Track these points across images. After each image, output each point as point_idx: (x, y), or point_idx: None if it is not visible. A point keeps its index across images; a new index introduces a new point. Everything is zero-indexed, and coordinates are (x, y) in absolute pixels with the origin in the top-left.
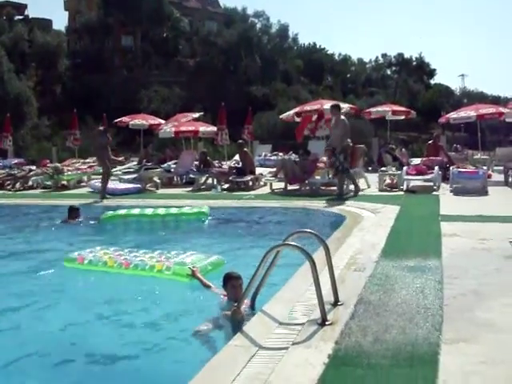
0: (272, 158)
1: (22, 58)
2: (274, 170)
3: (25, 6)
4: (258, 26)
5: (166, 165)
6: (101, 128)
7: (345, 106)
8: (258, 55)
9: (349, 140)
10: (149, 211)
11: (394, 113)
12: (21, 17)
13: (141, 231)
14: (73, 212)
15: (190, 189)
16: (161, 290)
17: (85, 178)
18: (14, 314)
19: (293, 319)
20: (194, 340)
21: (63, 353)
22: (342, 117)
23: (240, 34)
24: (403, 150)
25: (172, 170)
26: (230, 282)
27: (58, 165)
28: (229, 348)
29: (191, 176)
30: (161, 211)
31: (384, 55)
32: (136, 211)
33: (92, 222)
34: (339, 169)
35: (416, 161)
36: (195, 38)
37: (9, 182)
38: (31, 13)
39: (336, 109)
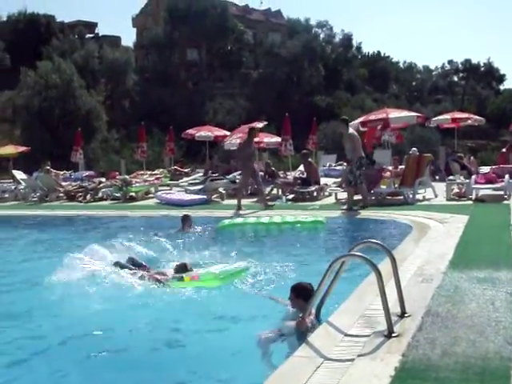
0: (337, 168)
1: (92, 74)
2: (339, 180)
3: (95, 25)
4: (322, 36)
5: (231, 176)
6: (246, 137)
7: (411, 115)
8: (321, 65)
9: (362, 152)
10: (265, 219)
11: (454, 120)
12: (91, 35)
13: (258, 240)
14: (187, 220)
15: (255, 199)
16: (220, 297)
17: (152, 189)
18: None
19: (358, 331)
20: (256, 348)
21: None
22: (350, 130)
23: (303, 44)
24: (472, 158)
25: (237, 180)
26: (296, 292)
27: (127, 177)
28: (294, 359)
29: (256, 187)
30: (277, 219)
31: (450, 61)
32: (252, 220)
33: (208, 231)
34: (351, 181)
35: (485, 169)
36: (259, 49)
37: (80, 194)
38: (101, 31)
39: (343, 123)
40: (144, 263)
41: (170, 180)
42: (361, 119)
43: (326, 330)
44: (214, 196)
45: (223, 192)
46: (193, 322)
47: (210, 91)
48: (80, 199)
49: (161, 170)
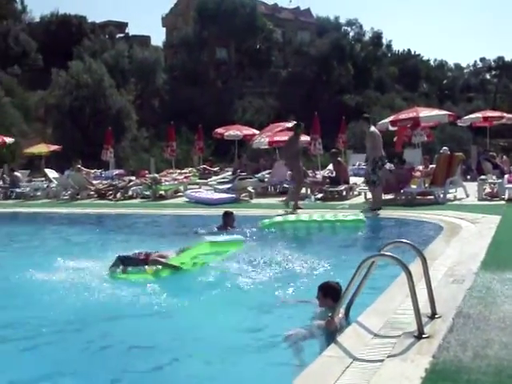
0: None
1: (122, 73)
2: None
3: (125, 25)
4: (351, 34)
5: (259, 175)
6: (293, 134)
7: (442, 113)
8: (350, 64)
9: (383, 152)
10: (305, 217)
11: (486, 119)
12: (122, 35)
13: (299, 238)
14: (229, 218)
15: (284, 198)
16: (248, 294)
17: (181, 188)
18: None
19: (388, 331)
20: (283, 346)
21: None
22: (372, 128)
23: (332, 43)
24: (504, 157)
25: (266, 179)
26: (317, 291)
27: (156, 175)
28: (323, 358)
29: (285, 186)
30: (317, 217)
31: (483, 59)
32: (292, 217)
33: (251, 229)
34: (370, 181)
35: None
36: (288, 48)
37: (110, 192)
38: (131, 30)
39: (365, 121)
40: (144, 252)
41: (199, 179)
42: (391, 118)
43: (355, 330)
44: (243, 195)
45: (252, 191)
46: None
47: (239, 90)
48: (110, 197)
49: (190, 168)
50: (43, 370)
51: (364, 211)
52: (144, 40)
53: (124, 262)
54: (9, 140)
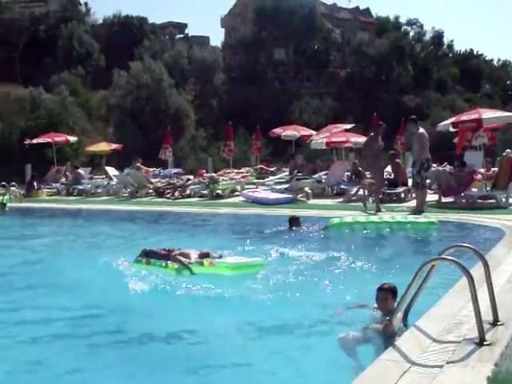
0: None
1: (181, 73)
2: (428, 181)
3: (185, 26)
4: (411, 34)
5: (317, 175)
6: (372, 134)
7: (506, 115)
8: (410, 64)
9: (429, 155)
10: (375, 218)
11: None
12: (181, 35)
13: (368, 239)
14: (295, 221)
15: (341, 200)
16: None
17: (238, 187)
18: None
19: (447, 337)
20: (338, 349)
21: None
22: (421, 130)
23: (392, 42)
24: None
25: (323, 180)
26: (379, 293)
27: (214, 174)
28: (380, 362)
29: (342, 187)
30: (387, 218)
31: None
32: (362, 218)
33: (319, 229)
34: (419, 183)
35: None
36: (346, 48)
37: (169, 191)
38: (191, 31)
39: (413, 123)
40: (167, 248)
41: (256, 178)
42: (452, 120)
43: (413, 334)
44: (300, 195)
45: (309, 191)
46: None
47: (297, 90)
48: (168, 196)
49: (247, 168)
50: None
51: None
52: (203, 40)
53: (148, 254)
54: (72, 139)
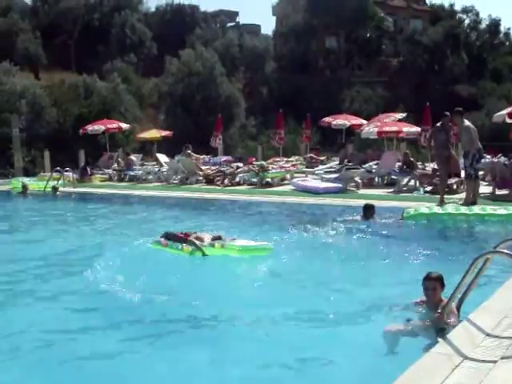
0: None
1: (232, 61)
2: (481, 173)
3: (236, 14)
4: (466, 21)
5: (367, 165)
6: (438, 124)
7: None
8: (465, 53)
9: (479, 145)
10: (452, 209)
11: None
12: (232, 24)
13: (447, 230)
14: (370, 210)
15: (391, 190)
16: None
17: (288, 176)
18: None
19: (502, 332)
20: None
21: None
22: (466, 123)
23: (446, 31)
24: None
25: (373, 170)
26: (427, 283)
27: (264, 163)
28: (431, 355)
29: (393, 177)
30: (464, 210)
31: None
32: (438, 209)
33: (395, 221)
34: (472, 175)
35: None
36: (399, 37)
37: (218, 178)
38: (242, 19)
39: (458, 115)
40: (184, 232)
41: (306, 167)
42: (508, 110)
43: (465, 328)
44: (350, 185)
45: (359, 181)
46: None
47: (348, 79)
48: (218, 183)
49: (297, 157)
50: None
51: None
52: (254, 29)
53: (167, 236)
54: (124, 126)
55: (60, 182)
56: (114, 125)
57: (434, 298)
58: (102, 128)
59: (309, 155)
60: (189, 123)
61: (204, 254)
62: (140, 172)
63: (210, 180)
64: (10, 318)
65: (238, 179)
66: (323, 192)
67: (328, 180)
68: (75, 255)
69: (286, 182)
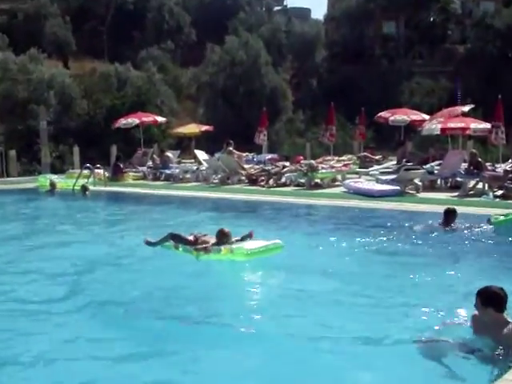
0: None
1: (279, 49)
2: None
3: None
4: None
5: (428, 165)
6: None
7: None
8: None
9: None
10: None
11: None
12: (279, 7)
13: None
14: (452, 216)
15: (456, 194)
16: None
17: (339, 177)
18: None
19: None
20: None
21: None
22: None
23: None
24: None
25: (435, 171)
26: (482, 299)
27: (313, 162)
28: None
29: (458, 179)
30: None
31: None
32: None
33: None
34: None
35: None
36: (467, 20)
37: (262, 178)
38: (290, 2)
39: None
40: (194, 234)
41: (359, 167)
42: None
43: None
44: (408, 187)
45: (419, 183)
46: None
47: (408, 69)
48: (262, 183)
49: (349, 155)
50: None
51: None
52: (303, 13)
53: (174, 238)
54: (160, 119)
55: (90, 180)
56: (149, 118)
57: (482, 314)
58: (136, 121)
59: (363, 154)
60: (230, 117)
61: (197, 257)
62: (177, 170)
63: (253, 180)
64: None
65: (284, 180)
66: (378, 195)
67: (384, 182)
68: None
69: (337, 183)
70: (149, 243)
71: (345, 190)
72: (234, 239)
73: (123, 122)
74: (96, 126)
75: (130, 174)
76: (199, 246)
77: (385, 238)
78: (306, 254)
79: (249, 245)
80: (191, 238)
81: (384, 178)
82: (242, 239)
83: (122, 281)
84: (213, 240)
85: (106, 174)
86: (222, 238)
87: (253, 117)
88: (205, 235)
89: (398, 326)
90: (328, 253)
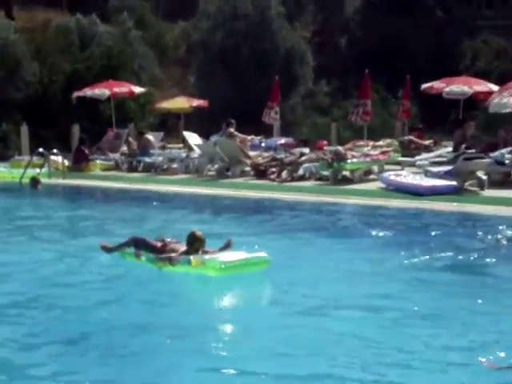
0: None
1: None
2: None
3: None
4: None
5: (497, 153)
6: None
7: None
8: None
9: None
10: None
11: None
12: None
13: None
14: None
15: None
16: None
17: (375, 168)
18: None
19: None
20: None
21: None
22: None
23: None
24: None
25: (507, 161)
26: None
27: (340, 148)
28: None
29: None
30: None
31: None
32: None
33: None
34: None
35: None
36: None
37: (273, 170)
38: None
39: None
40: (163, 239)
41: (402, 156)
42: None
43: None
44: (468, 183)
45: (483, 177)
46: None
47: (470, 23)
48: (272, 177)
49: (388, 140)
50: None
51: None
52: None
53: (136, 244)
54: (138, 90)
55: (43, 170)
56: (122, 88)
57: None
58: (106, 93)
59: (407, 138)
60: (231, 88)
61: (160, 268)
62: (160, 158)
63: (260, 172)
64: None
65: (301, 171)
66: (427, 193)
67: (435, 175)
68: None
69: (371, 176)
70: (105, 248)
71: (382, 185)
72: (210, 250)
73: (88, 92)
74: (51, 98)
75: (98, 162)
76: (163, 255)
77: (443, 254)
78: (340, 277)
79: (225, 256)
80: (159, 244)
81: (436, 169)
82: (221, 250)
83: (68, 307)
84: (183, 248)
85: (66, 163)
86: (194, 243)
87: (261, 88)
88: (177, 242)
89: None
90: (366, 278)
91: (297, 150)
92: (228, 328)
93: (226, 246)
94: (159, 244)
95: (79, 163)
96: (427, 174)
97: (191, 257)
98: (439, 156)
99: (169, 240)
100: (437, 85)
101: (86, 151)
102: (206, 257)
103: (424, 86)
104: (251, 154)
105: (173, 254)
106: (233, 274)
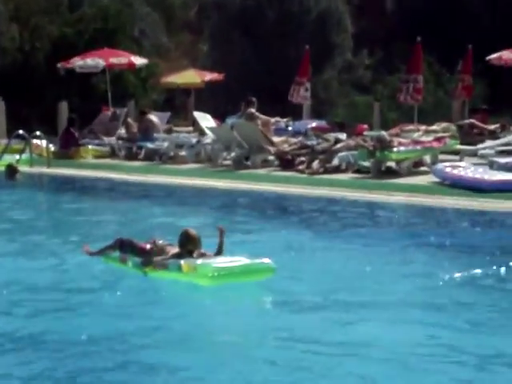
0: None
1: None
2: None
3: None
4: None
5: None
6: None
7: None
8: None
9: None
10: None
11: None
12: None
13: None
14: None
15: None
16: None
17: (427, 158)
18: None
19: None
20: None
21: None
22: None
23: None
24: None
25: None
26: None
27: (384, 133)
28: None
29: None
30: None
31: None
32: None
33: None
34: None
35: None
36: None
37: (302, 159)
38: None
39: None
40: (153, 241)
41: (461, 143)
42: None
43: None
44: None
45: None
46: None
47: None
48: (301, 168)
49: (444, 124)
50: None
51: None
52: None
53: (123, 247)
54: (140, 61)
55: (24, 156)
56: (121, 59)
57: None
58: (101, 64)
59: (468, 121)
60: (252, 60)
61: (145, 275)
62: (165, 144)
63: (287, 161)
64: None
65: (336, 162)
66: (493, 188)
67: (503, 167)
68: None
69: (423, 168)
70: (89, 253)
71: (437, 179)
72: (207, 253)
73: (79, 63)
74: (34, 68)
75: (90, 147)
76: (147, 259)
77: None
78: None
79: (220, 262)
80: (148, 246)
81: (503, 160)
82: (218, 252)
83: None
84: (174, 250)
85: (51, 148)
86: (187, 244)
87: (288, 60)
88: (169, 244)
89: None
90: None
91: (331, 136)
92: None
93: (220, 244)
94: (148, 246)
95: (67, 148)
96: (493, 165)
97: (182, 261)
98: (507, 144)
99: (161, 242)
100: (507, 55)
101: (76, 134)
102: (199, 262)
103: (491, 56)
104: (275, 139)
105: (159, 258)
106: (232, 284)
